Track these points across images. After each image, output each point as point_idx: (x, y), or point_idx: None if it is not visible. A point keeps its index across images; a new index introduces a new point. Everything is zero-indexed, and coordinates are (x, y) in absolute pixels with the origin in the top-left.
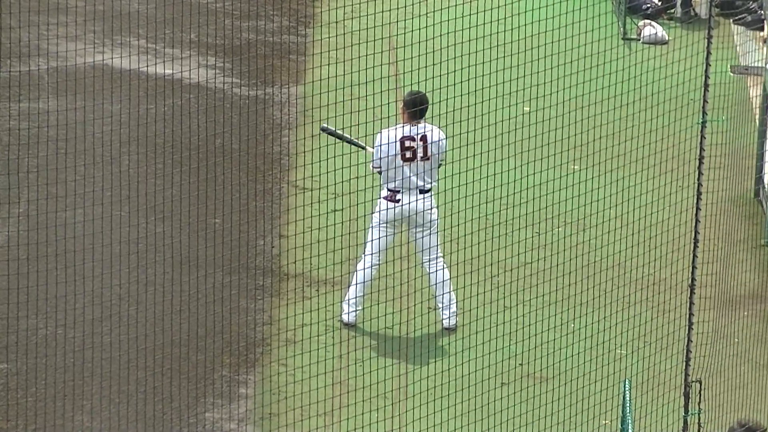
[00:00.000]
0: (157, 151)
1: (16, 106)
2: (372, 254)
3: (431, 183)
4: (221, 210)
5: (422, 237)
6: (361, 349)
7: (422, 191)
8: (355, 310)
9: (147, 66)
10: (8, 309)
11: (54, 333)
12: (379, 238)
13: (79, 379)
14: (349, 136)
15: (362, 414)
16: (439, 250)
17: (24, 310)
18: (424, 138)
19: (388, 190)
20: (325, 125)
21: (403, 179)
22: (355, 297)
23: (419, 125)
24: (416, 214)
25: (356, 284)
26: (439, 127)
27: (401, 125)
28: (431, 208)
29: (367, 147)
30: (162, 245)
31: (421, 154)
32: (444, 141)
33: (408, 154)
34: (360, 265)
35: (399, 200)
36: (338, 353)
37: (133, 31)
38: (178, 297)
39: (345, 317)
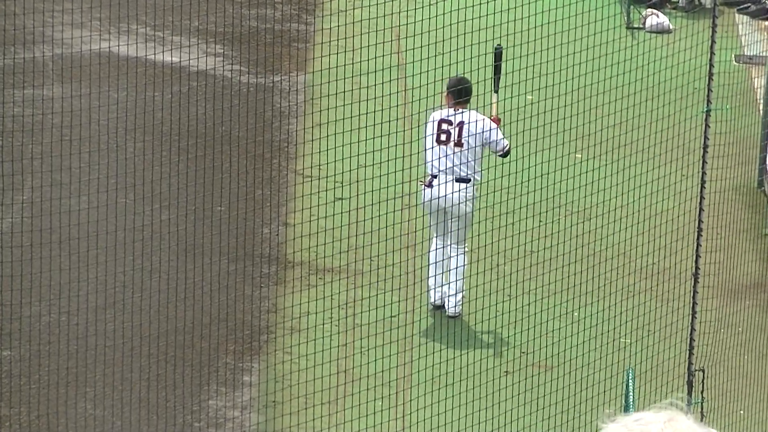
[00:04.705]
0: (162, 139)
1: (20, 93)
2: (434, 238)
3: (471, 173)
4: (226, 198)
5: (454, 227)
6: (366, 338)
7: (459, 180)
8: (435, 288)
9: (154, 54)
10: (12, 295)
11: (57, 320)
12: (436, 224)
13: (83, 366)
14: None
15: (366, 402)
16: (465, 242)
17: (27, 297)
18: (460, 125)
19: (429, 175)
20: (500, 46)
21: (436, 162)
22: (433, 276)
23: (461, 111)
24: (452, 206)
25: (428, 266)
26: (485, 118)
27: (446, 108)
28: (465, 201)
29: (495, 96)
30: (166, 233)
31: (455, 140)
32: (487, 132)
33: (442, 137)
34: (431, 247)
35: (432, 185)
36: (342, 342)
37: (138, 19)
38: (182, 284)
39: (430, 297)
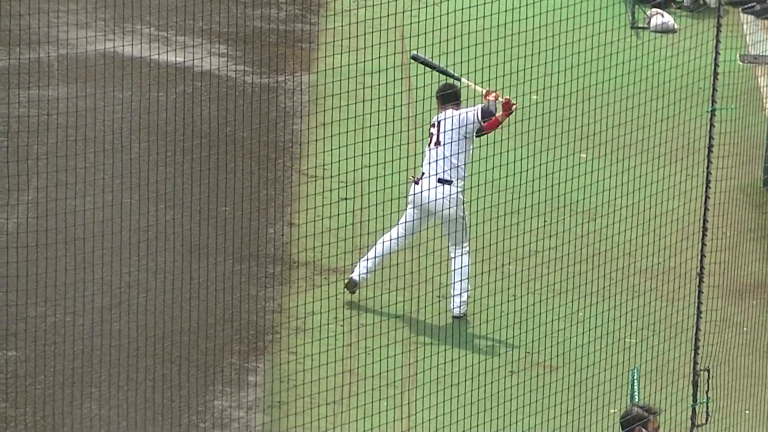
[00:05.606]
0: (167, 139)
1: (25, 93)
2: (399, 236)
3: (452, 175)
4: (231, 198)
5: (449, 230)
6: (371, 338)
7: (441, 181)
8: (365, 273)
9: (158, 54)
10: (17, 296)
11: (63, 320)
12: (410, 221)
13: (88, 366)
14: (441, 66)
15: (371, 402)
16: (465, 242)
17: (33, 297)
18: (438, 124)
19: (422, 173)
20: (416, 53)
21: (426, 163)
22: (371, 257)
23: (444, 112)
24: (437, 212)
25: (375, 250)
26: (459, 110)
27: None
28: (450, 207)
29: (462, 78)
30: (171, 233)
31: (435, 141)
32: (466, 123)
33: (428, 139)
34: (386, 237)
35: (418, 183)
36: (347, 342)
37: (142, 19)
38: (187, 285)
39: (354, 275)
